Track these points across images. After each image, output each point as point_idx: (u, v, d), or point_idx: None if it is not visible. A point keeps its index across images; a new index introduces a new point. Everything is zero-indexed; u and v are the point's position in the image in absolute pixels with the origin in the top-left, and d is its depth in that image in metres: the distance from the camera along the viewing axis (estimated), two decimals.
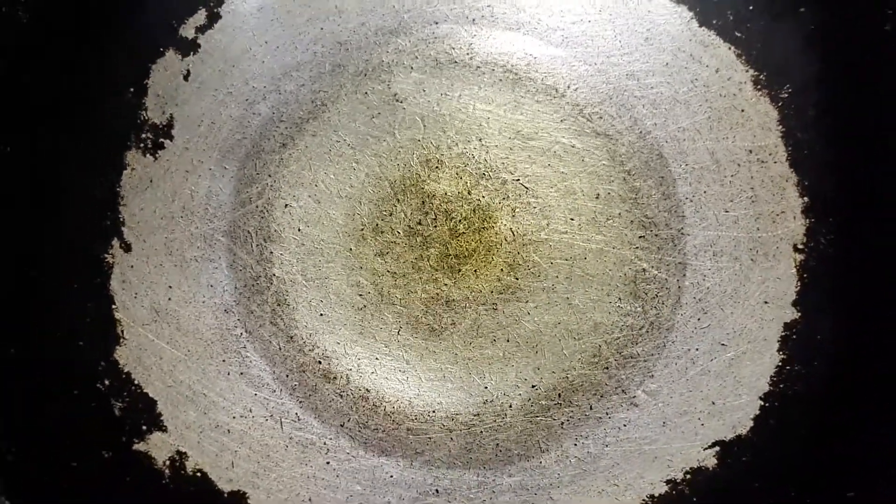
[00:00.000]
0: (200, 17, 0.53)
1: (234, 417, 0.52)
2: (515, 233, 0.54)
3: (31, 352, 0.48)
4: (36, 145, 0.50)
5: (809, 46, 0.51)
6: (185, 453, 0.51)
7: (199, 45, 0.54)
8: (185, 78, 0.53)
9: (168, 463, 0.50)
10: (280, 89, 0.54)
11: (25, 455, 0.46)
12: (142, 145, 0.53)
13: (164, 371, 0.52)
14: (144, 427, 0.50)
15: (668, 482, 0.51)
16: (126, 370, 0.51)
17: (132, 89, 0.53)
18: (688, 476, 0.51)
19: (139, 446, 0.50)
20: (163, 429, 0.51)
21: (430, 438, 0.53)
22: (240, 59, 0.54)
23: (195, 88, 0.54)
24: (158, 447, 0.50)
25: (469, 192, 0.54)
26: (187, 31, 0.53)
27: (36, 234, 0.50)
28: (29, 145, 0.50)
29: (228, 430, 0.52)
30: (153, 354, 0.52)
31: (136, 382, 0.51)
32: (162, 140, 0.53)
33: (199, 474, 0.51)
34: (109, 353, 0.51)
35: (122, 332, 0.52)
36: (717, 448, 0.51)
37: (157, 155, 0.53)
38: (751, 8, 0.52)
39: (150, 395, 0.51)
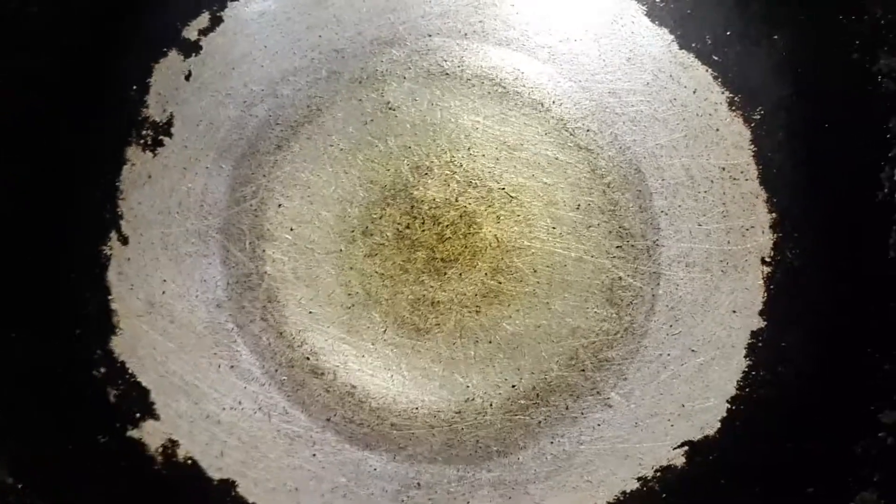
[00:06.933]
0: (203, 19, 0.54)
1: (224, 409, 0.53)
2: (499, 239, 0.55)
3: (31, 338, 0.49)
4: (40, 139, 0.51)
5: (781, 72, 0.53)
6: (176, 441, 0.51)
7: (200, 47, 0.54)
8: (187, 78, 0.54)
9: (160, 450, 0.51)
10: (277, 93, 0.55)
11: (28, 437, 0.47)
12: (142, 142, 0.54)
13: (158, 361, 0.52)
14: (138, 415, 0.51)
15: (639, 479, 0.52)
16: (121, 359, 0.52)
17: (135, 87, 0.53)
18: (658, 474, 0.52)
19: (133, 433, 0.50)
20: (155, 417, 0.51)
21: (412, 434, 0.54)
22: (239, 63, 0.55)
23: (195, 89, 0.54)
24: (151, 434, 0.51)
25: (456, 199, 0.55)
26: (190, 32, 0.54)
27: (38, 224, 0.50)
28: (34, 139, 0.50)
29: (219, 421, 0.52)
30: (147, 345, 0.52)
31: (130, 371, 0.52)
32: (161, 137, 0.54)
33: (189, 462, 0.51)
34: (105, 343, 0.51)
35: (118, 322, 0.52)
36: (686, 448, 0.52)
37: (156, 152, 0.54)
38: (728, 33, 0.54)
39: (144, 384, 0.52)
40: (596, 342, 0.54)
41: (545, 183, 0.55)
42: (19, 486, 0.44)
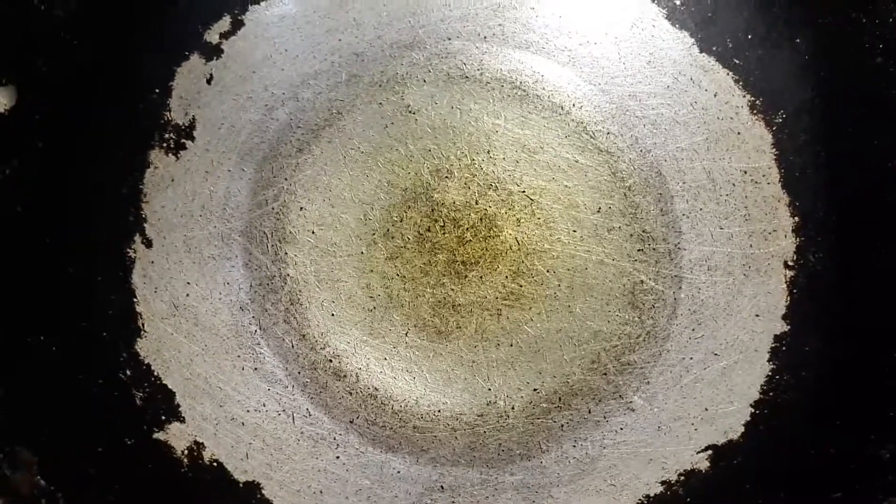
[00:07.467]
0: (225, 23, 0.55)
1: (248, 411, 0.53)
2: (520, 242, 0.55)
3: (59, 340, 0.49)
4: (65, 142, 0.51)
5: (803, 75, 0.53)
6: (202, 444, 0.52)
7: (222, 51, 0.55)
8: (208, 81, 0.54)
9: (186, 452, 0.51)
10: (298, 96, 0.55)
11: (56, 439, 0.47)
12: (165, 145, 0.54)
13: (182, 364, 0.53)
14: (164, 417, 0.51)
15: (662, 483, 0.53)
16: (146, 362, 0.52)
17: (157, 90, 0.54)
18: (682, 478, 0.53)
19: (159, 435, 0.51)
20: (181, 419, 0.52)
21: (435, 437, 0.54)
22: (260, 66, 0.55)
23: (217, 92, 0.55)
24: (177, 437, 0.51)
25: (476, 202, 0.55)
26: (212, 36, 0.54)
27: (63, 228, 0.51)
28: (58, 142, 0.51)
29: (243, 423, 0.53)
30: (172, 348, 0.53)
31: (155, 374, 0.52)
32: (184, 141, 0.54)
33: (215, 464, 0.52)
34: (131, 345, 0.52)
35: (143, 324, 0.53)
36: (710, 452, 0.53)
37: (178, 155, 0.54)
38: (749, 37, 0.54)
39: (169, 386, 0.52)
40: (618, 346, 0.54)
41: (566, 186, 0.55)
42: (51, 487, 0.44)
